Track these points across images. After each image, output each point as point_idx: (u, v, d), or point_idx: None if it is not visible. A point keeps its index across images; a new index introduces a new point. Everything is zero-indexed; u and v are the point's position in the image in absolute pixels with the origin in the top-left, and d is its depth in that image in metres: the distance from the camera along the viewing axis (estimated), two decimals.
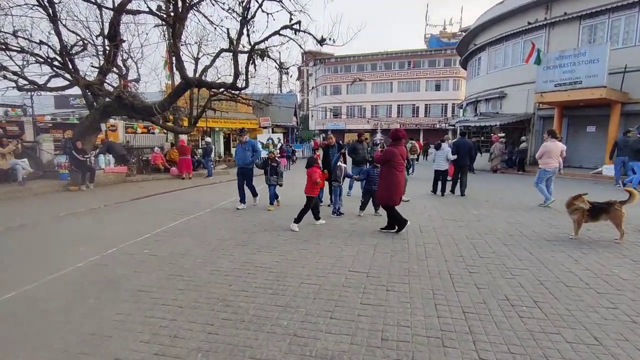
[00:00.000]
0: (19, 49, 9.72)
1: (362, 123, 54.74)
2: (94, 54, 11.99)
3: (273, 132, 28.01)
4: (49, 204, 9.16)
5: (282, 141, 25.68)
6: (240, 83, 11.04)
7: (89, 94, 11.49)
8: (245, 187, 8.47)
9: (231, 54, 11.14)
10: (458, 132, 22.73)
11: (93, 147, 12.76)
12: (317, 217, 6.81)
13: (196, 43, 13.97)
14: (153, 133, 20.28)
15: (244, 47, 11.03)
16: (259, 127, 27.87)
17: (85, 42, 11.17)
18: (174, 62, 10.01)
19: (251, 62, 11.12)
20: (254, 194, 8.81)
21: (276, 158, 8.60)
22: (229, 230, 6.63)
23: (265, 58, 12.08)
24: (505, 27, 20.38)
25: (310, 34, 11.09)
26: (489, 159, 17.94)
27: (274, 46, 12.11)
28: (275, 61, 12.72)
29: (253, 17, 10.24)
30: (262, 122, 27.57)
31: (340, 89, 55.81)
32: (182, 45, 14.85)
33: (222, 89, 11.42)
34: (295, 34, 9.68)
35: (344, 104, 54.59)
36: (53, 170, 11.61)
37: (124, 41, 12.27)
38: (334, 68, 56.59)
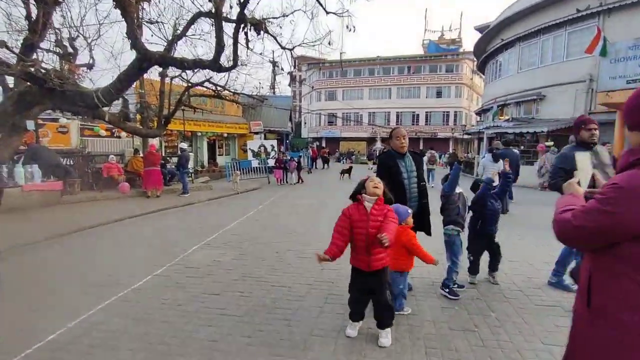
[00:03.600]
0: None
1: (359, 131, 51.63)
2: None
3: (265, 138, 24.39)
4: None
5: (275, 148, 22.07)
6: (225, 62, 7.49)
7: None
8: None
9: (212, 20, 7.57)
10: (487, 140, 19.68)
11: (12, 154, 8.94)
12: (386, 316, 3.12)
13: (168, 22, 10.34)
14: (119, 137, 16.45)
15: (231, 8, 7.51)
16: (249, 132, 24.24)
17: None
18: (127, 26, 6.42)
19: (242, 32, 7.56)
20: None
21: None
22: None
23: (261, 32, 8.56)
24: (542, 18, 17.34)
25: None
26: (539, 174, 14.56)
27: (274, 18, 8.48)
28: (275, 38, 9.21)
29: None
30: (253, 127, 23.95)
31: (336, 95, 52.65)
32: (150, 23, 11.26)
33: (196, 68, 7.83)
34: None
35: (339, 110, 51.37)
36: None
37: (61, 2, 8.59)
38: (329, 73, 53.45)
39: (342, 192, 14.25)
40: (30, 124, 9.05)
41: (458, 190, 4.01)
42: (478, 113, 28.34)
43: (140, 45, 6.48)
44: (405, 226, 3.30)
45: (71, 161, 12.14)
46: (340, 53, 7.94)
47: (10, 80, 9.40)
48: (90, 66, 11.75)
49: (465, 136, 31.71)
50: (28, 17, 8.28)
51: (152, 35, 11.30)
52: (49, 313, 3.43)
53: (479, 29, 27.81)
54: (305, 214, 8.95)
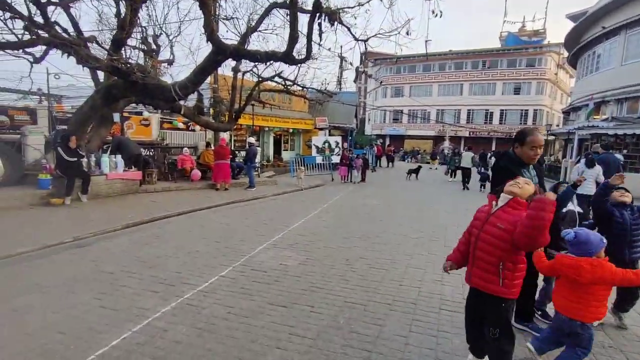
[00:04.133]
0: None
1: (426, 129, 49.31)
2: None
3: (330, 135, 24.11)
4: None
5: (340, 145, 21.66)
6: (298, 54, 7.18)
7: (93, 69, 8.26)
8: None
9: (287, 11, 7.30)
10: (578, 142, 17.30)
11: (100, 144, 9.59)
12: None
13: (243, 17, 10.34)
14: (193, 130, 17.25)
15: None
16: (314, 128, 24.16)
17: None
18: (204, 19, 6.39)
19: (316, 23, 7.19)
20: None
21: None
22: None
23: (335, 23, 8.12)
24: None
25: None
26: None
27: (349, 7, 7.96)
28: (349, 29, 8.72)
29: None
30: (319, 123, 23.81)
31: (403, 91, 50.80)
32: (226, 19, 11.41)
33: (269, 61, 7.62)
34: None
35: (405, 107, 49.52)
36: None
37: (146, 0, 8.95)
38: (396, 68, 51.79)
39: (410, 193, 13.44)
40: (116, 117, 9.65)
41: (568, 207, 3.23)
42: (566, 111, 25.22)
43: (215, 38, 6.40)
44: (600, 260, 2.37)
45: (151, 152, 12.88)
46: (426, 41, 7.18)
47: (101, 77, 10.11)
48: (170, 62, 12.31)
49: (550, 137, 28.44)
50: (117, 15, 8.76)
51: (227, 31, 11.50)
52: (114, 313, 3.32)
53: (572, 17, 24.70)
54: (373, 217, 8.38)
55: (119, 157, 9.11)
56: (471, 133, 46.38)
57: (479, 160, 15.33)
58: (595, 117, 17.02)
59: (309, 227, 7.03)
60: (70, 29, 8.51)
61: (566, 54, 45.85)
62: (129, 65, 7.30)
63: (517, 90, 45.37)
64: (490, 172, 14.87)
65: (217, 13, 12.90)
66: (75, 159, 7.68)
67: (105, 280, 4.09)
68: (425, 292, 3.95)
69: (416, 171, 18.26)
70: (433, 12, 5.84)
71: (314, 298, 3.76)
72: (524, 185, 2.26)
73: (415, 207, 10.20)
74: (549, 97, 44.83)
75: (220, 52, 6.58)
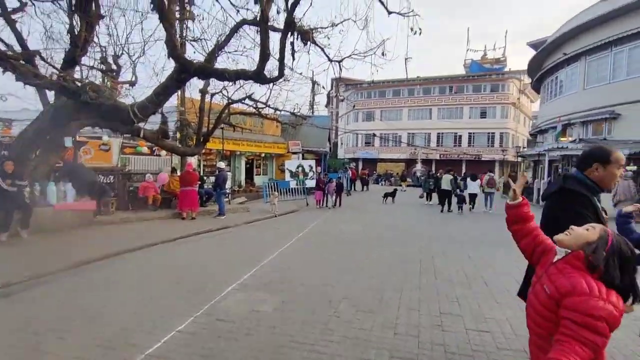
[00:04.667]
0: None
1: (398, 152, 50.06)
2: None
3: (303, 159, 23.63)
4: None
5: (314, 169, 21.16)
6: (269, 74, 6.68)
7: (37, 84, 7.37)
8: None
9: (257, 30, 6.84)
10: (548, 163, 17.68)
11: (48, 171, 8.55)
12: None
13: (211, 39, 9.78)
14: (158, 155, 16.26)
15: (278, 13, 6.75)
16: (287, 152, 23.65)
17: (26, 1, 7.10)
18: (166, 36, 5.77)
19: (289, 41, 6.75)
20: None
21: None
22: None
23: (308, 42, 7.76)
24: (615, 28, 15.53)
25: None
26: (613, 202, 12.63)
27: (322, 28, 7.63)
28: (322, 50, 8.39)
29: None
30: (292, 147, 23.34)
31: (374, 115, 51.66)
32: (194, 41, 10.89)
33: (238, 79, 7.03)
34: None
35: (376, 130, 50.23)
36: None
37: (103, 17, 8.27)
38: (367, 93, 52.92)
39: (389, 217, 12.99)
40: (68, 141, 8.68)
41: None
42: (533, 134, 26.15)
43: (178, 54, 5.80)
44: None
45: (110, 179, 11.83)
46: (406, 59, 6.91)
47: (51, 98, 9.19)
48: (132, 83, 11.53)
49: (518, 159, 29.28)
50: (70, 30, 8.00)
51: (194, 52, 10.92)
52: None
53: (533, 45, 26.06)
54: (353, 245, 7.78)
55: (68, 185, 8.11)
56: (442, 156, 47.43)
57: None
58: (562, 139, 17.55)
59: (284, 261, 6.32)
60: (16, 46, 7.66)
61: (527, 80, 48.94)
62: (79, 83, 6.52)
63: (483, 114, 47.17)
64: (464, 193, 14.92)
65: (184, 34, 12.40)
66: (14, 188, 6.67)
67: (27, 342, 3.21)
68: (426, 342, 3.33)
69: (392, 194, 17.98)
70: (412, 29, 5.57)
71: (294, 357, 3.06)
72: (575, 232, 1.58)
73: (397, 232, 9.71)
74: (513, 120, 46.85)
75: (184, 70, 5.97)
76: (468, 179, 15.50)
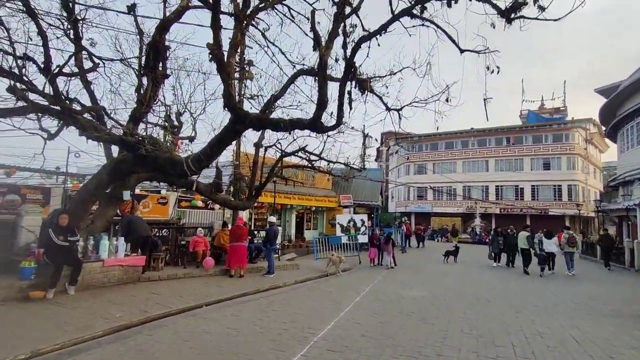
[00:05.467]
0: None
1: (453, 205, 47.47)
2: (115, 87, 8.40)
3: (355, 213, 22.79)
4: None
5: (366, 223, 20.16)
6: (325, 120, 6.29)
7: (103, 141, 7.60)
8: None
9: (311, 85, 6.62)
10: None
11: (105, 224, 8.58)
12: None
13: (268, 95, 9.88)
14: (212, 209, 16.41)
15: (336, 61, 6.49)
16: (338, 206, 23.04)
17: (98, 61, 7.54)
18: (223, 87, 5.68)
19: (346, 88, 6.39)
20: None
21: None
22: None
23: (366, 92, 7.39)
24: None
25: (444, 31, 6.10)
26: None
27: (379, 77, 7.25)
28: (381, 98, 7.98)
29: (356, 8, 5.73)
30: (343, 200, 22.73)
31: (426, 169, 50.21)
32: (251, 98, 11.15)
33: (294, 129, 6.62)
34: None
35: (430, 183, 48.45)
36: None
37: (168, 76, 8.65)
38: (418, 146, 52.01)
39: (456, 280, 11.37)
40: (126, 194, 8.78)
41: None
42: (614, 186, 23.30)
43: (234, 104, 5.61)
44: None
45: (163, 232, 11.85)
46: (485, 99, 6.20)
47: (116, 153, 9.56)
48: (192, 139, 11.88)
49: (598, 214, 25.98)
50: (138, 89, 8.40)
51: (250, 108, 11.09)
52: None
53: (602, 92, 24.20)
54: (423, 316, 6.61)
55: (120, 240, 7.99)
56: (502, 210, 44.13)
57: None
58: None
59: (341, 336, 5.34)
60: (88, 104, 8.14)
61: (593, 129, 45.50)
62: (138, 137, 6.57)
63: (546, 166, 43.89)
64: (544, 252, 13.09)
65: (242, 92, 12.85)
66: (67, 243, 6.58)
67: None
68: None
69: (454, 253, 16.30)
70: (488, 68, 4.92)
71: None
72: None
73: (469, 300, 8.31)
74: (582, 171, 42.94)
75: (239, 121, 5.77)
76: (543, 237, 13.64)
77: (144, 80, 8.21)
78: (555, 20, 3.64)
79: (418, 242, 25.86)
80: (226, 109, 5.63)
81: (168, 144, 8.62)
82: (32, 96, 6.03)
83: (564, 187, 42.49)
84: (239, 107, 5.88)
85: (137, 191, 13.66)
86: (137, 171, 7.51)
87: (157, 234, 11.16)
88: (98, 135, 6.22)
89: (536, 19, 3.67)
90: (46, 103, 5.69)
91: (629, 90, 18.70)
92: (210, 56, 5.24)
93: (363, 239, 18.27)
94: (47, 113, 5.95)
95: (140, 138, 6.50)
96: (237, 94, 12.89)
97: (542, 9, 3.50)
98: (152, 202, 13.39)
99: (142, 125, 9.89)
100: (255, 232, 13.71)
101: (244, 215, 13.38)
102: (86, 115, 6.75)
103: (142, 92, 8.35)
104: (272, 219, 11.88)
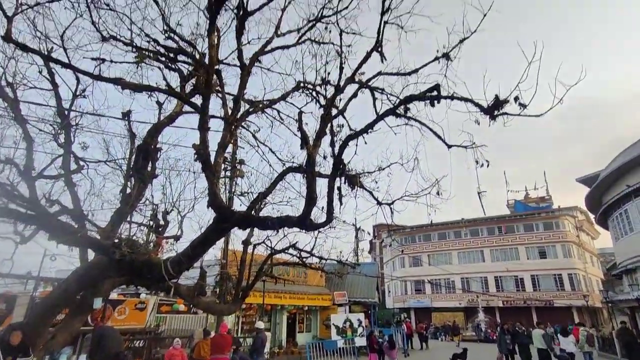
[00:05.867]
0: None
1: (453, 299, 45.19)
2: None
3: (350, 311, 21.28)
4: None
5: (363, 324, 18.66)
6: (315, 216, 6.06)
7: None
8: None
9: (302, 181, 6.59)
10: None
11: (69, 338, 7.58)
12: None
13: (256, 193, 9.87)
14: (195, 313, 15.15)
15: (324, 158, 6.53)
16: (332, 304, 21.59)
17: (83, 164, 7.47)
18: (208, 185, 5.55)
19: (336, 184, 6.32)
20: None
21: None
22: None
23: (356, 187, 7.35)
24: None
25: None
26: None
27: (368, 172, 7.35)
28: (371, 193, 7.91)
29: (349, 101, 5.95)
30: (337, 298, 21.41)
31: (421, 261, 49.05)
32: (241, 195, 11.13)
33: (282, 227, 6.34)
34: (431, 103, 4.80)
35: (426, 276, 46.79)
36: None
37: (157, 176, 8.62)
38: (412, 238, 51.59)
39: None
40: (97, 302, 7.95)
41: None
42: (617, 275, 22.56)
43: (219, 202, 5.39)
44: None
45: (138, 343, 10.59)
46: (479, 192, 6.11)
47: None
48: (177, 238, 11.44)
49: (608, 305, 24.63)
50: (123, 189, 8.25)
51: (240, 205, 10.96)
52: None
53: (584, 181, 25.15)
54: None
55: (82, 358, 6.95)
56: (504, 302, 42.02)
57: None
58: None
59: None
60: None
61: (581, 216, 46.18)
62: (114, 239, 6.16)
63: (542, 254, 43.30)
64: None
65: (233, 190, 12.87)
66: None
67: None
68: None
69: (463, 356, 14.75)
70: (477, 161, 4.94)
71: None
72: None
73: None
74: (579, 259, 42.26)
75: (224, 219, 5.49)
76: (559, 335, 12.56)
77: (132, 181, 8.12)
78: (537, 116, 3.73)
79: (421, 342, 23.71)
80: (210, 207, 5.39)
81: (150, 244, 8.13)
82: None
83: (565, 276, 41.28)
84: (224, 206, 5.67)
85: (114, 295, 12.64)
86: (111, 276, 6.91)
87: (130, 346, 9.93)
88: (67, 239, 5.80)
89: (519, 115, 3.77)
90: (23, 210, 5.42)
91: (611, 178, 19.41)
92: (196, 156, 5.21)
93: (361, 341, 16.71)
94: (22, 220, 5.63)
95: (116, 241, 6.08)
96: (227, 191, 12.97)
97: (523, 106, 3.62)
98: (130, 307, 12.30)
99: (126, 225, 9.54)
100: (241, 341, 12.38)
101: (229, 319, 12.22)
102: (64, 217, 6.44)
103: (127, 192, 8.19)
104: (260, 324, 10.83)
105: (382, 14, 5.74)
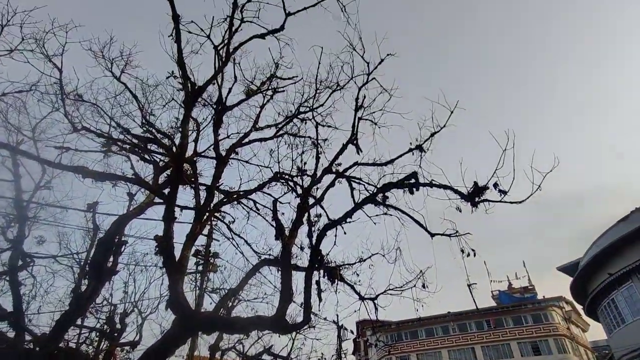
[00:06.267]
0: None
1: None
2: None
3: None
4: None
5: None
6: (293, 314, 5.38)
7: None
8: None
9: (277, 269, 6.09)
10: None
11: None
12: None
13: (232, 285, 9.07)
14: None
15: (301, 249, 6.12)
16: None
17: (29, 260, 6.69)
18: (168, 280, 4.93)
19: (314, 280, 5.84)
20: None
21: None
22: None
23: (336, 281, 6.86)
24: None
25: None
26: None
27: (349, 264, 7.03)
28: (352, 287, 7.39)
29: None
30: None
31: (409, 358, 45.12)
32: (212, 292, 10.35)
33: (254, 330, 5.49)
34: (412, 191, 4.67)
35: None
36: None
37: (117, 272, 7.84)
38: (397, 335, 48.15)
39: None
40: None
41: None
42: None
43: (180, 301, 4.74)
44: None
45: None
46: (469, 285, 5.71)
47: None
48: (134, 344, 10.08)
49: None
50: (75, 289, 7.39)
51: (210, 303, 10.03)
52: None
53: (564, 269, 24.99)
54: None
55: None
56: None
57: None
58: None
59: None
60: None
61: (567, 307, 44.94)
62: (50, 350, 5.18)
63: (536, 351, 40.84)
64: None
65: (205, 286, 11.89)
66: None
67: None
68: None
69: None
70: (462, 251, 4.69)
71: None
72: None
73: None
74: (574, 354, 39.89)
75: (185, 322, 4.74)
76: None
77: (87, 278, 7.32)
78: (518, 202, 3.64)
79: None
80: (168, 309, 4.71)
81: (100, 356, 6.99)
82: None
83: None
84: (185, 306, 4.96)
85: None
86: None
87: None
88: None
89: (500, 201, 3.69)
90: None
91: (589, 269, 19.30)
92: (157, 249, 4.74)
93: None
94: None
95: (55, 352, 5.12)
96: (197, 287, 11.95)
97: (503, 192, 3.56)
98: None
99: (75, 331, 8.38)
100: None
101: None
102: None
103: (79, 292, 7.32)
104: None
105: (356, 110, 6.02)
